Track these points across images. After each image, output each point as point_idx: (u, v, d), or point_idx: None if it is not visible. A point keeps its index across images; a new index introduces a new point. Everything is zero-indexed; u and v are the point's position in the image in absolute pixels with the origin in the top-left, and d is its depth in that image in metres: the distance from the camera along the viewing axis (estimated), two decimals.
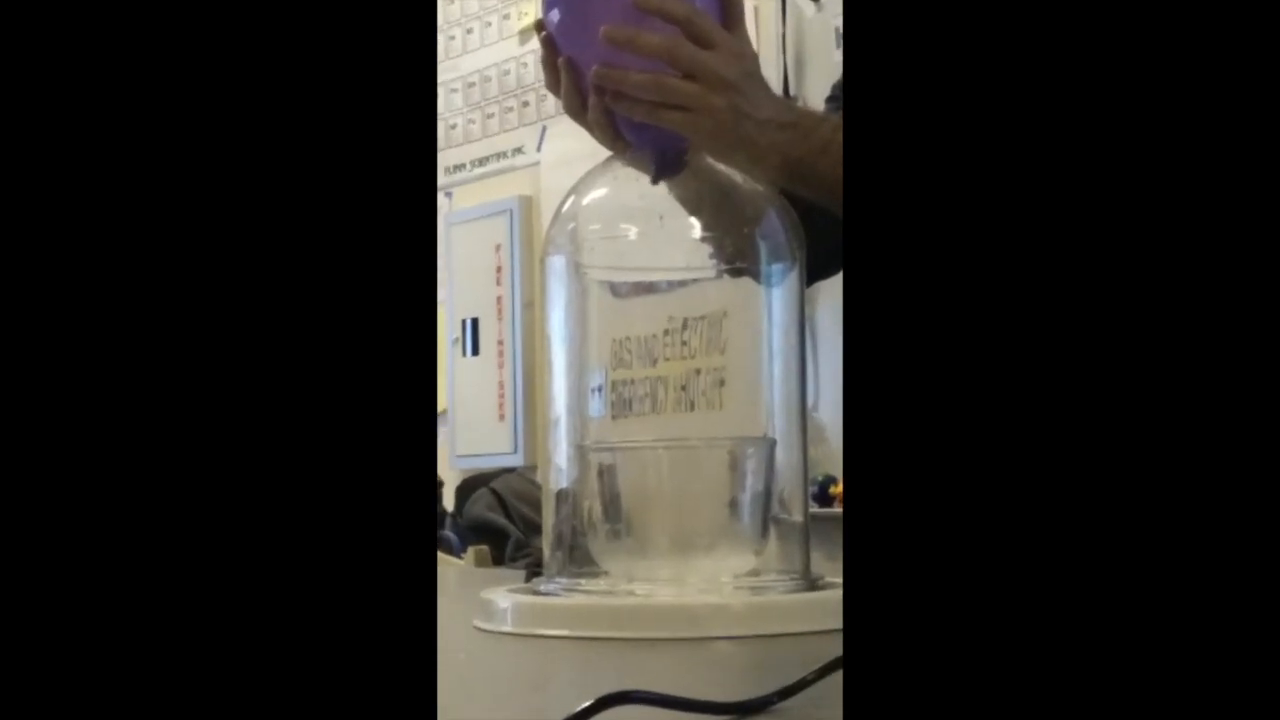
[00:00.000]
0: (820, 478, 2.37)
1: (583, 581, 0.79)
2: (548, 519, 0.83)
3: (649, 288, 0.85)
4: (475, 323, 2.74)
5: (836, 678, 0.53)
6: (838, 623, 0.74)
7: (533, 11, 2.71)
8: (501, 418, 2.69)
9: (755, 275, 0.83)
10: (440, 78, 2.77)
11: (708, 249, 0.84)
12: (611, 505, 0.80)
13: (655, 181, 0.83)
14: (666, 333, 0.82)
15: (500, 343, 2.71)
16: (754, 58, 0.87)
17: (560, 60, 0.83)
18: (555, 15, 0.84)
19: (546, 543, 0.84)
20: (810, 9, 2.23)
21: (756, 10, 2.28)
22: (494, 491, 1.80)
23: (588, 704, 0.44)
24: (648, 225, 0.83)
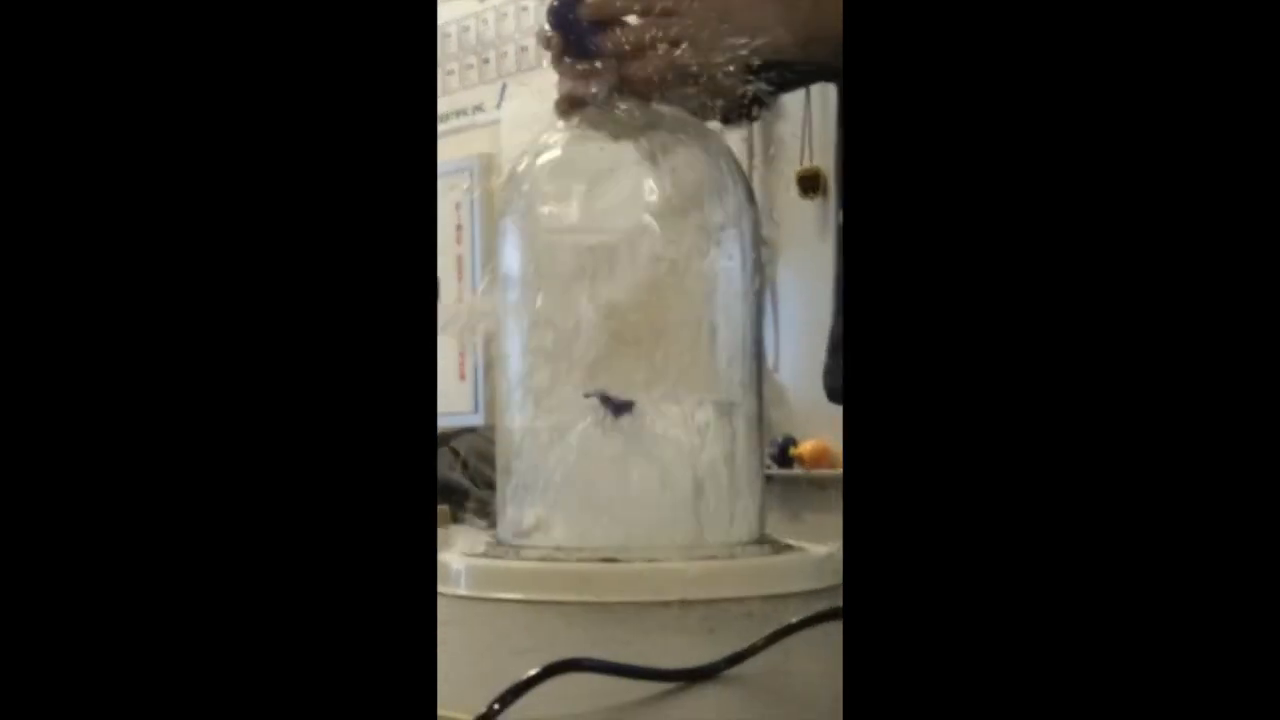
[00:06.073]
0: (780, 439, 2.38)
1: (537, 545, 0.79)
2: (503, 481, 0.83)
3: None
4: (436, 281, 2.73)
5: (787, 643, 0.53)
6: (793, 587, 0.74)
7: None
8: (463, 377, 2.68)
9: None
10: None
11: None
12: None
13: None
14: None
15: (461, 301, 2.70)
16: None
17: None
18: None
19: (501, 506, 0.83)
20: None
21: None
22: (455, 451, 1.79)
23: (534, 672, 0.44)
24: (601, 185, 0.82)
